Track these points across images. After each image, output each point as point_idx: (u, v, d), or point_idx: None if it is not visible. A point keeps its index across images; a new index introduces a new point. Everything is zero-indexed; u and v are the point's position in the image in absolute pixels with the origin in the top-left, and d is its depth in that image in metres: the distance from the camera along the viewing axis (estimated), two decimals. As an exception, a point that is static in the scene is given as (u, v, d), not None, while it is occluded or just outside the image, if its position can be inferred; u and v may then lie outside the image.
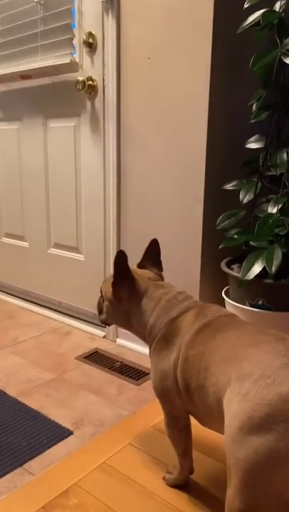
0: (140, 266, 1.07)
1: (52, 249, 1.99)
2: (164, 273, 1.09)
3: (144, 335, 1.00)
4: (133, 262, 1.17)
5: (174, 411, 0.94)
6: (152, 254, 1.07)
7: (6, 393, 1.37)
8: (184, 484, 1.00)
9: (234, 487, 0.69)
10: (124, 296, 0.99)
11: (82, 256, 1.86)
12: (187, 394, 0.86)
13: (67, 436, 1.17)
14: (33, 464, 1.07)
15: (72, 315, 1.94)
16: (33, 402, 1.33)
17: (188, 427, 0.97)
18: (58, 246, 1.97)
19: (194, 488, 1.00)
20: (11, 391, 1.38)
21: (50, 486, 1.00)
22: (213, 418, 0.80)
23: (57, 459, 1.09)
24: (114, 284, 0.99)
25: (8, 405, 1.31)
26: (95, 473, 1.04)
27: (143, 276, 1.02)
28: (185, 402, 0.88)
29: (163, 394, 0.93)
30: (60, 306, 1.99)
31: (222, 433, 0.75)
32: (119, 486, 1.00)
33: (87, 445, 1.14)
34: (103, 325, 1.81)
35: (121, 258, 0.96)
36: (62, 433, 1.18)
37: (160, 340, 0.93)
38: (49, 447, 1.13)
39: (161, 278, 1.07)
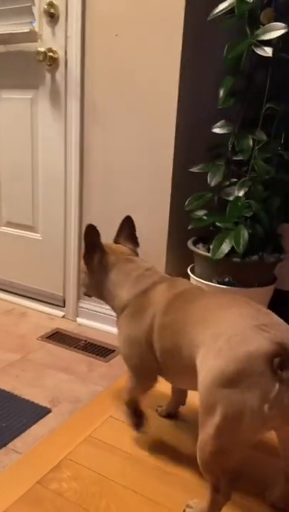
0: (116, 241, 1.13)
1: (3, 227, 1.91)
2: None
3: (114, 305, 1.07)
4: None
5: (141, 373, 1.02)
6: (127, 231, 1.14)
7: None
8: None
9: (206, 433, 0.78)
10: (96, 267, 1.06)
11: (39, 235, 1.81)
12: (162, 355, 0.94)
13: (46, 414, 1.18)
14: (17, 443, 1.07)
15: (26, 295, 1.90)
16: (3, 384, 1.30)
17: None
18: (10, 225, 1.89)
19: (180, 449, 1.07)
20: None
21: (40, 462, 1.00)
22: (186, 375, 0.88)
23: (40, 436, 1.10)
24: (84, 256, 1.07)
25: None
26: (82, 446, 1.06)
27: (115, 250, 1.09)
28: (160, 364, 0.96)
29: (132, 358, 1.02)
30: (12, 287, 1.94)
31: (192, 389, 0.87)
32: (108, 456, 1.04)
33: (69, 421, 1.16)
34: (61, 305, 1.81)
35: (90, 231, 1.04)
36: (40, 411, 1.19)
37: (130, 310, 1.01)
38: (30, 426, 1.13)
39: (136, 253, 1.13)
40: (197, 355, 0.82)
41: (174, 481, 0.97)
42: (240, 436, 0.76)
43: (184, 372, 0.89)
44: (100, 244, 1.06)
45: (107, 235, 1.13)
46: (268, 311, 0.87)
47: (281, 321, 0.83)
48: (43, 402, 1.23)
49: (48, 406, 1.21)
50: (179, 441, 1.10)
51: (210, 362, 0.78)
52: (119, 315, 1.05)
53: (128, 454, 1.05)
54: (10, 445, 1.06)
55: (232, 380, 0.74)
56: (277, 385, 0.71)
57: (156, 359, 0.96)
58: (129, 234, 1.13)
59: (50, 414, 1.18)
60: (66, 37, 1.54)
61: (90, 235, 1.04)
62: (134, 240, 1.14)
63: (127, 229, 1.13)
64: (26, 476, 0.96)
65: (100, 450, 1.06)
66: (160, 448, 1.07)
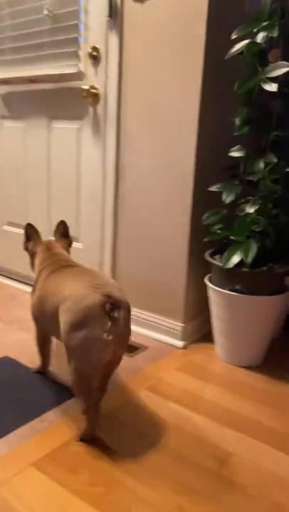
0: (55, 238, 1.55)
1: (52, 237, 2.19)
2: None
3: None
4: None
5: (40, 331, 1.44)
6: (60, 231, 1.55)
7: (19, 362, 1.59)
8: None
9: (71, 366, 1.14)
10: (29, 250, 1.53)
11: (80, 245, 2.07)
12: (43, 317, 1.32)
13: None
14: (48, 416, 1.29)
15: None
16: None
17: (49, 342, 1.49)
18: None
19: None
20: (23, 360, 1.60)
21: (65, 431, 1.22)
22: (57, 328, 1.20)
23: (69, 411, 1.32)
24: (23, 243, 1.55)
25: (21, 372, 1.52)
26: (101, 422, 1.27)
27: (44, 243, 1.50)
28: (44, 323, 1.35)
29: (34, 320, 1.42)
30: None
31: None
32: (120, 430, 1.24)
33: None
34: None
35: (28, 228, 1.52)
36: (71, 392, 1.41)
37: (34, 284, 1.41)
38: (62, 402, 1.36)
39: (65, 246, 1.53)
40: (58, 313, 1.18)
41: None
42: (93, 359, 1.11)
43: (55, 326, 1.21)
44: (32, 237, 1.52)
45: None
46: (101, 274, 1.28)
47: (110, 280, 1.23)
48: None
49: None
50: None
51: (64, 316, 1.15)
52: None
53: (139, 432, 1.24)
54: (42, 416, 1.29)
55: (79, 326, 1.10)
56: (109, 320, 1.09)
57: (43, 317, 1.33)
58: (62, 233, 1.55)
59: (77, 396, 1.40)
60: (106, 76, 1.80)
61: (27, 231, 1.52)
62: (66, 237, 1.56)
63: (60, 229, 1.55)
64: (53, 440, 1.19)
65: (114, 425, 1.26)
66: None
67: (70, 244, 1.56)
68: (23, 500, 0.99)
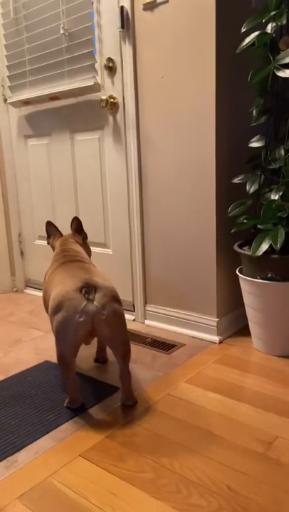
0: (73, 233, 1.70)
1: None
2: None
3: None
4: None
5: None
6: (75, 227, 1.70)
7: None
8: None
9: (55, 344, 1.28)
10: (50, 244, 1.73)
11: (110, 250, 2.12)
12: (46, 300, 1.43)
13: (116, 391, 1.42)
14: (92, 411, 1.32)
15: (103, 304, 2.19)
16: (85, 370, 1.58)
17: None
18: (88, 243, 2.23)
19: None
20: (63, 362, 1.63)
21: (109, 424, 1.24)
22: None
23: (112, 405, 1.34)
24: (46, 239, 1.75)
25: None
26: (144, 414, 1.28)
27: (62, 237, 1.67)
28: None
29: (45, 310, 1.47)
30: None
31: None
32: (164, 421, 1.25)
33: (135, 395, 1.38)
34: (131, 309, 2.07)
35: (47, 225, 1.72)
36: (112, 389, 1.43)
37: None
38: (103, 399, 1.38)
39: (79, 241, 1.67)
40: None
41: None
42: (68, 338, 1.23)
43: None
44: (52, 233, 1.72)
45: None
46: (96, 270, 1.40)
47: (91, 271, 1.34)
48: (114, 383, 1.47)
49: (118, 385, 1.45)
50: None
51: (50, 303, 1.30)
52: None
53: (182, 422, 1.25)
54: (87, 412, 1.31)
55: (57, 309, 1.24)
56: (84, 302, 1.22)
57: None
58: (76, 229, 1.70)
59: (118, 391, 1.42)
60: (123, 84, 1.87)
61: (47, 228, 1.72)
62: (80, 233, 1.70)
63: (74, 225, 1.70)
64: (98, 432, 1.21)
65: (157, 417, 1.27)
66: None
67: (84, 239, 1.70)
68: (74, 487, 1.01)
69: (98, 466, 1.08)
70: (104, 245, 2.14)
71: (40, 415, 1.30)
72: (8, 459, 1.12)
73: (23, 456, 1.13)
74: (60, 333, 1.24)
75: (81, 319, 1.21)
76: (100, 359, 1.65)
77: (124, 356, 1.31)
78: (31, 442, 1.18)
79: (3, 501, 0.98)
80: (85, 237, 1.71)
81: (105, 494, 0.98)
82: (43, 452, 1.14)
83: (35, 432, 1.22)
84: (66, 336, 1.23)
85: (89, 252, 1.71)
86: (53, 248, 1.69)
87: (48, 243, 1.74)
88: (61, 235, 1.71)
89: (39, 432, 1.23)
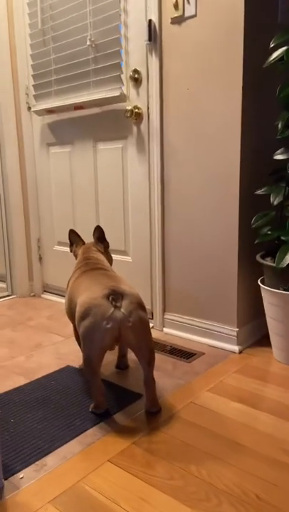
0: (95, 242, 1.73)
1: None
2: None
3: None
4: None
5: (75, 327, 1.52)
6: (97, 235, 1.73)
7: (80, 370, 1.64)
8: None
9: (81, 348, 1.32)
10: (73, 251, 1.76)
11: (129, 258, 2.14)
12: (72, 315, 1.46)
13: (138, 398, 1.44)
14: (117, 417, 1.33)
15: (121, 311, 2.21)
16: (108, 377, 1.59)
17: None
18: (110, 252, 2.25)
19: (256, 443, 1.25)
20: (84, 368, 1.65)
21: (135, 430, 1.26)
22: None
23: (135, 411, 1.35)
24: (69, 247, 1.79)
25: (84, 379, 1.58)
26: (169, 421, 1.29)
27: (84, 246, 1.71)
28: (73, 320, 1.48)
29: (68, 317, 1.57)
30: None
31: None
32: (189, 429, 1.26)
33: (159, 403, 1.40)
34: (150, 317, 2.09)
35: (71, 234, 1.76)
36: (134, 396, 1.45)
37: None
38: (126, 406, 1.39)
39: (101, 249, 1.71)
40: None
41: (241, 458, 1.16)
42: (95, 345, 1.26)
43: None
44: (74, 241, 1.76)
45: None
46: (119, 277, 1.43)
47: (116, 279, 1.38)
48: (137, 390, 1.49)
49: (141, 392, 1.47)
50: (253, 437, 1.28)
51: (76, 310, 1.34)
52: None
53: (207, 430, 1.26)
54: (112, 418, 1.33)
55: (84, 316, 1.28)
56: (112, 309, 1.25)
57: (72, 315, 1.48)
58: (99, 237, 1.73)
59: (141, 398, 1.43)
60: (148, 95, 1.90)
61: (70, 236, 1.76)
62: (102, 241, 1.73)
63: (97, 234, 1.73)
64: (129, 435, 1.22)
65: (182, 424, 1.28)
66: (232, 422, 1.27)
67: (106, 248, 1.74)
68: (104, 492, 1.02)
69: (127, 472, 1.09)
70: (124, 253, 2.17)
71: (66, 420, 1.32)
72: (36, 463, 1.14)
73: (51, 460, 1.15)
74: (87, 339, 1.27)
75: (108, 326, 1.24)
76: (121, 365, 1.67)
77: (150, 363, 1.33)
78: (59, 447, 1.20)
79: (35, 505, 1.00)
80: (106, 245, 1.74)
81: (136, 500, 1.00)
82: (71, 457, 1.16)
83: (62, 437, 1.24)
84: (93, 342, 1.26)
85: (110, 260, 1.73)
86: (76, 256, 1.72)
87: (71, 251, 1.78)
88: (83, 243, 1.74)
89: (66, 436, 1.24)
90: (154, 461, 1.13)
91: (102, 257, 1.64)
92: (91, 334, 1.26)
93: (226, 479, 1.06)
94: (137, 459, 1.14)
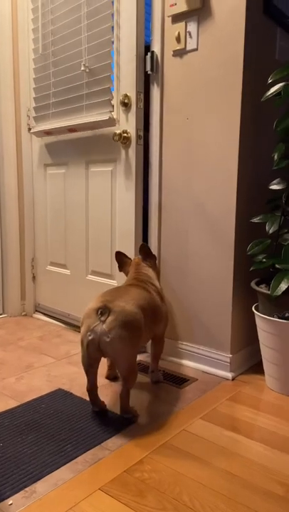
0: (142, 258, 1.80)
1: (90, 275, 2.28)
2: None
3: None
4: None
5: None
6: (144, 252, 1.79)
7: (72, 393, 1.62)
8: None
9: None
10: (121, 269, 1.84)
11: (115, 281, 2.14)
12: None
13: (132, 423, 1.41)
14: (108, 443, 1.31)
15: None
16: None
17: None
18: (94, 273, 2.25)
19: (248, 456, 1.23)
20: (76, 392, 1.63)
21: (127, 458, 1.24)
22: None
23: (127, 439, 1.33)
24: (118, 268, 1.85)
25: (76, 403, 1.55)
26: (161, 449, 1.28)
27: (134, 261, 1.78)
28: None
29: None
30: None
31: None
32: (181, 457, 1.24)
33: (151, 429, 1.38)
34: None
35: (117, 256, 1.83)
36: (127, 421, 1.43)
37: None
38: (118, 432, 1.37)
39: (148, 264, 1.77)
40: None
41: (241, 482, 1.14)
42: (83, 352, 1.41)
43: None
44: (121, 261, 1.82)
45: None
46: (125, 289, 1.53)
47: (122, 294, 1.46)
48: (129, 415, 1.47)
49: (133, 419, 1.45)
50: (246, 449, 1.27)
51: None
52: None
53: (200, 459, 1.24)
54: (103, 444, 1.31)
55: (81, 323, 1.42)
56: (97, 322, 1.36)
57: None
58: (145, 253, 1.79)
59: (135, 424, 1.41)
60: (136, 120, 1.91)
61: (117, 258, 1.82)
62: (149, 257, 1.80)
63: (143, 251, 1.79)
64: (116, 466, 1.20)
65: (175, 453, 1.26)
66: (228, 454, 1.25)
67: (154, 262, 1.81)
68: (95, 522, 1.00)
69: (119, 501, 1.07)
70: (109, 276, 2.16)
71: (56, 445, 1.30)
72: (26, 489, 1.11)
73: (41, 486, 1.12)
74: (80, 343, 1.42)
75: (90, 337, 1.37)
76: (110, 376, 1.75)
77: (127, 380, 1.42)
78: (49, 473, 1.17)
79: (24, 534, 0.97)
80: (154, 259, 1.82)
81: (128, 531, 0.98)
82: (62, 484, 1.13)
83: (52, 463, 1.21)
84: (82, 347, 1.41)
85: (158, 273, 1.83)
86: (126, 274, 1.80)
87: (120, 271, 1.85)
88: (131, 260, 1.80)
89: (57, 462, 1.22)
90: (146, 490, 1.11)
91: (150, 272, 1.73)
92: (81, 341, 1.41)
93: (220, 511, 1.04)
94: (128, 487, 1.12)
